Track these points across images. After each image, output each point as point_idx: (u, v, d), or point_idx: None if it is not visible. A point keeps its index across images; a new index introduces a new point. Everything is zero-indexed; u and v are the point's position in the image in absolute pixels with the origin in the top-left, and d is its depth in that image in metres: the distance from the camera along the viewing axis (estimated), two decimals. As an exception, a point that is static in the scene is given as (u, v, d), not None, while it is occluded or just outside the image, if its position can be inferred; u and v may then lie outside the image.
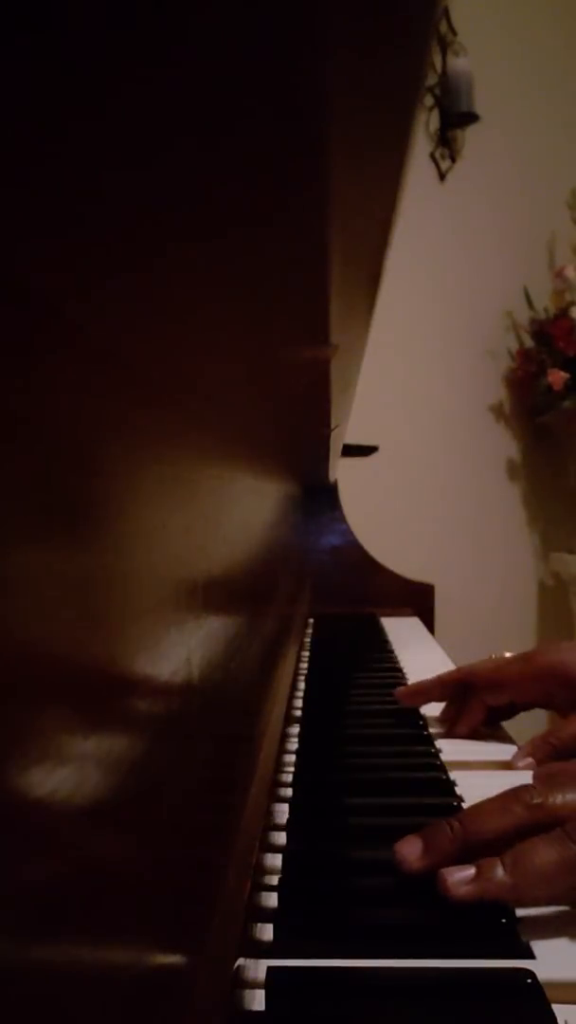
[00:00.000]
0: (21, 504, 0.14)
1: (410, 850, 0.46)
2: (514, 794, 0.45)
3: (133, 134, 0.11)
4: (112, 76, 0.09)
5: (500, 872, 0.42)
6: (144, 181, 0.12)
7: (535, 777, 0.52)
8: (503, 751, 0.68)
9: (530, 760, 0.64)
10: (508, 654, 0.74)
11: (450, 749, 0.69)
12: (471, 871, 0.42)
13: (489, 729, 0.73)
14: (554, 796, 0.44)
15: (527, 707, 0.71)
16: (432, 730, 0.74)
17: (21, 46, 0.08)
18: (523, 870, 0.41)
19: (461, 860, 0.43)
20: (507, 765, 0.65)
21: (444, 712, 0.77)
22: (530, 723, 0.78)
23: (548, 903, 0.42)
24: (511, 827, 0.44)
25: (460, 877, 0.42)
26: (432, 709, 0.78)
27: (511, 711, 0.73)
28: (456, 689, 0.74)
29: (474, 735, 0.72)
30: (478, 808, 0.46)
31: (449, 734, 0.73)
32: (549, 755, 0.63)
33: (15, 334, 0.14)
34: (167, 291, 0.18)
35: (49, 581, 0.15)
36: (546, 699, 0.68)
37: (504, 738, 0.73)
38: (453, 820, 0.46)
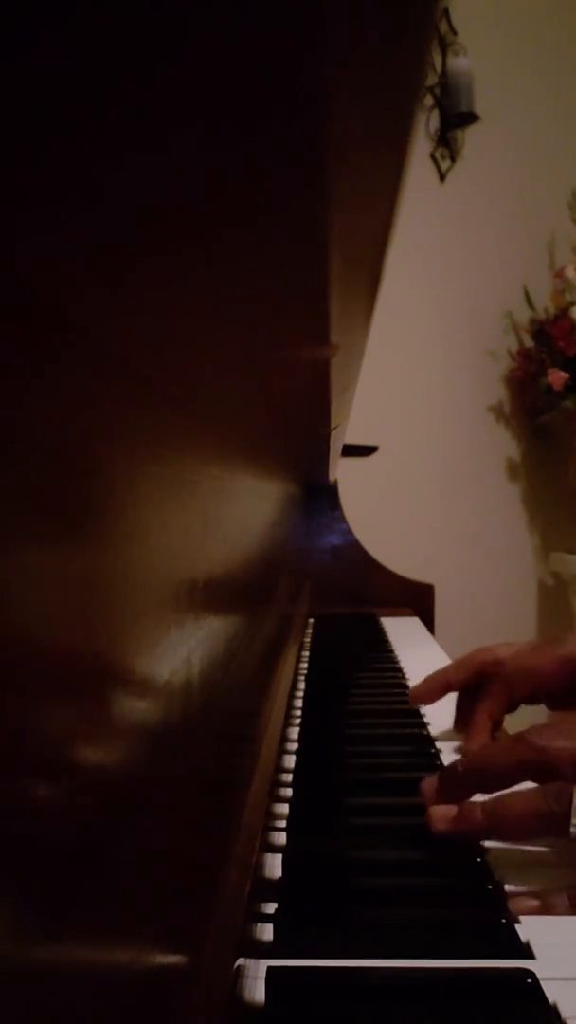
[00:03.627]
0: (21, 504, 0.14)
1: (428, 786, 0.51)
2: (521, 737, 0.49)
3: (133, 134, 0.11)
4: (112, 77, 0.09)
5: (478, 814, 0.47)
6: (144, 182, 0.12)
7: (542, 725, 0.52)
8: None
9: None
10: (505, 643, 0.70)
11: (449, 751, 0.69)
12: (453, 811, 0.48)
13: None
14: (555, 742, 0.48)
15: (535, 701, 0.66)
16: (433, 731, 0.73)
17: (21, 45, 0.08)
18: (497, 816, 0.47)
19: (469, 794, 0.49)
20: None
21: (459, 704, 0.71)
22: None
23: (512, 843, 0.48)
24: (513, 767, 0.48)
25: (442, 814, 0.48)
26: (430, 709, 0.77)
27: (515, 705, 0.68)
28: (476, 675, 0.68)
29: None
30: (487, 748, 0.51)
31: (467, 726, 0.67)
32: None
33: (15, 334, 0.14)
34: (167, 291, 0.18)
35: (49, 581, 0.15)
36: (561, 692, 0.64)
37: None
38: (465, 758, 0.51)
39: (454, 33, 2.15)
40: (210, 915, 0.30)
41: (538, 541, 2.35)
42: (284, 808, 0.56)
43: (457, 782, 0.50)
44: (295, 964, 0.38)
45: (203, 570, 0.32)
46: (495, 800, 0.47)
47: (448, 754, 0.67)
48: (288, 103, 0.10)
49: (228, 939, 0.32)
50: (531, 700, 0.67)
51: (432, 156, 2.23)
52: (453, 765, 0.51)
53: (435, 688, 0.72)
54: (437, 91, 2.17)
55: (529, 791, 0.47)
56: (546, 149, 2.30)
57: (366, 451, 1.54)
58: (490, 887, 0.44)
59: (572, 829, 0.44)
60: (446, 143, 2.23)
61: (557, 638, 0.65)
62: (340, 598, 1.48)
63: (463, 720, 0.70)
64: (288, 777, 0.62)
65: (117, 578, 0.19)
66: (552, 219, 2.29)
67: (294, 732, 0.74)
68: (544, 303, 2.21)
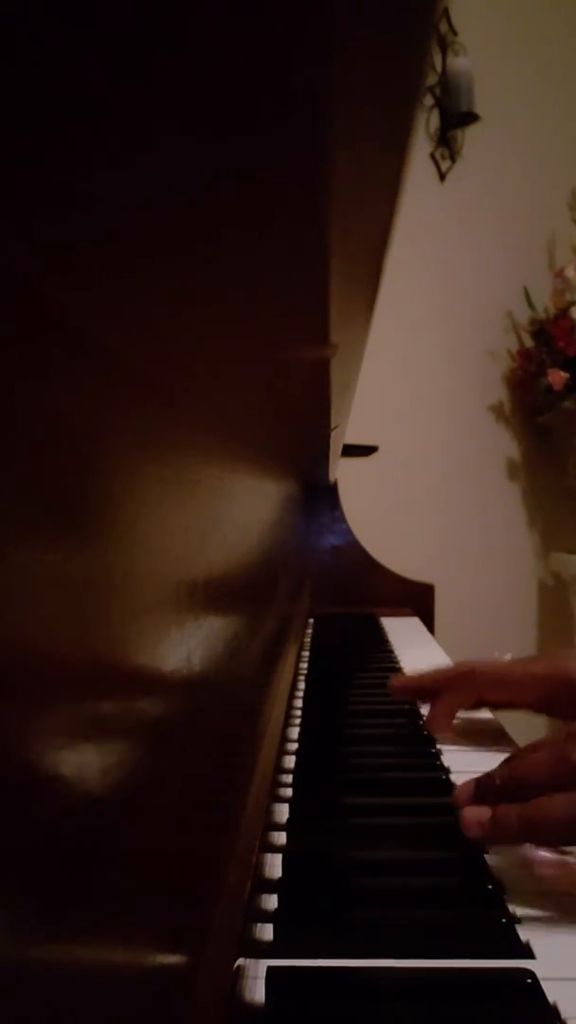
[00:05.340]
0: (21, 504, 0.14)
1: (463, 791, 0.52)
2: (561, 750, 0.49)
3: (132, 134, 0.11)
4: (111, 76, 0.09)
5: (513, 821, 0.47)
6: (144, 182, 0.12)
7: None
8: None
9: None
10: (509, 656, 0.73)
11: (453, 759, 0.69)
12: (487, 814, 0.48)
13: (472, 714, 0.73)
14: None
15: (523, 709, 0.69)
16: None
17: (20, 46, 0.08)
18: (534, 824, 0.46)
19: (504, 800, 0.49)
20: None
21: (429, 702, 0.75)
22: (525, 725, 0.77)
23: (546, 848, 0.48)
24: (548, 780, 0.48)
25: (475, 818, 0.48)
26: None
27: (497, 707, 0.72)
28: (454, 683, 0.73)
29: (462, 732, 0.71)
30: (526, 757, 0.51)
31: (431, 719, 0.72)
32: None
33: (15, 334, 0.14)
34: (166, 291, 0.18)
35: (49, 581, 0.15)
36: (547, 704, 0.67)
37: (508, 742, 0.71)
38: (504, 767, 0.51)
39: (454, 33, 2.15)
40: (210, 915, 0.30)
41: (538, 541, 2.35)
42: (284, 808, 0.56)
43: (494, 791, 0.50)
44: (295, 964, 0.38)
45: (203, 570, 0.32)
46: (531, 806, 0.47)
47: (449, 754, 0.67)
48: (288, 102, 0.10)
49: (228, 939, 0.32)
50: (509, 706, 0.71)
51: (432, 156, 2.23)
52: (491, 775, 0.51)
53: (410, 686, 0.76)
54: (437, 91, 2.17)
55: (565, 797, 0.46)
56: (546, 149, 2.30)
57: (366, 451, 1.54)
58: (490, 887, 0.44)
59: None
60: (446, 143, 2.23)
61: (539, 656, 0.68)
62: (340, 598, 1.48)
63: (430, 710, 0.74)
64: (288, 777, 0.62)
65: (117, 578, 0.19)
66: (552, 219, 2.29)
67: (294, 732, 0.74)
68: (544, 303, 2.21)
